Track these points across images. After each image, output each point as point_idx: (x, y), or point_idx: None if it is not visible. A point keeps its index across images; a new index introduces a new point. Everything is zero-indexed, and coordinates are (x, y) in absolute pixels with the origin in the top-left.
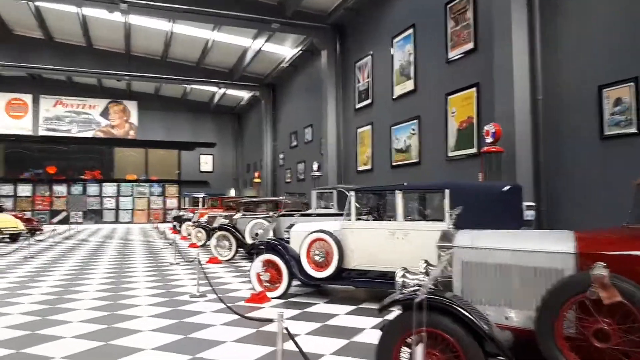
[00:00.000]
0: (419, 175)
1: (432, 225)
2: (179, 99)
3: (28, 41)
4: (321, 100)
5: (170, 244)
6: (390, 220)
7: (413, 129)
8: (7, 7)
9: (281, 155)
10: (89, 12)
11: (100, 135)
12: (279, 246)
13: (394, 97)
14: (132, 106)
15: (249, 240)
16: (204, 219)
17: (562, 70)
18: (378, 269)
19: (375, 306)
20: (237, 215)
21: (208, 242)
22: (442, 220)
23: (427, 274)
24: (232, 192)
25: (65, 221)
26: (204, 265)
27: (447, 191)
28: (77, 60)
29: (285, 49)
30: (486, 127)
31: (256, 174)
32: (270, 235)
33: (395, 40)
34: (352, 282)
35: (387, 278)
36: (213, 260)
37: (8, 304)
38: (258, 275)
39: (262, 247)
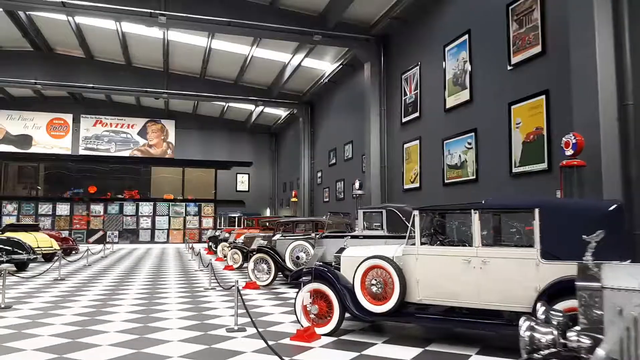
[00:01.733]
0: (477, 194)
1: (520, 253)
2: (216, 117)
3: (69, 60)
4: (363, 115)
5: (205, 267)
6: (463, 245)
7: (469, 143)
8: (49, 25)
9: (319, 174)
10: (128, 29)
11: (138, 154)
12: (328, 274)
13: (446, 109)
14: (169, 125)
15: (289, 264)
16: (241, 239)
17: None
18: (448, 304)
19: (445, 349)
20: (276, 236)
21: (245, 265)
22: (530, 245)
23: (548, 321)
24: (268, 212)
25: (101, 240)
26: (242, 292)
27: (537, 210)
28: (116, 79)
29: (325, 64)
30: (565, 138)
31: (293, 193)
32: (318, 257)
33: (447, 48)
34: (416, 319)
35: (456, 315)
36: (250, 285)
37: (24, 335)
38: (304, 307)
39: (309, 274)
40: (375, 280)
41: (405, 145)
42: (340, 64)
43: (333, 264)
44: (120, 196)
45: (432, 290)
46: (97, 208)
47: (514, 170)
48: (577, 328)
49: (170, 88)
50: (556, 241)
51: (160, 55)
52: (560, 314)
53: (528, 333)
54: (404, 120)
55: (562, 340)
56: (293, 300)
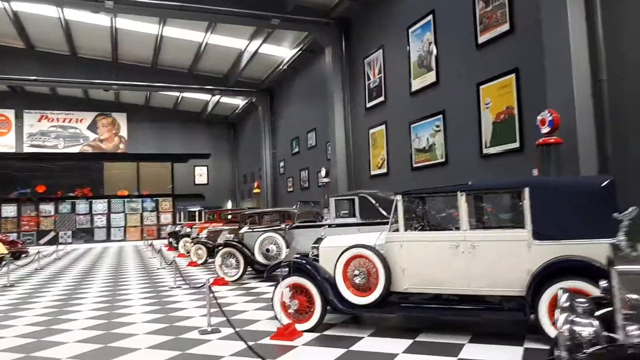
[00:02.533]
0: (447, 177)
1: (511, 234)
2: (170, 109)
3: (7, 51)
4: (326, 101)
5: (168, 264)
6: (444, 231)
7: (437, 126)
8: None
9: (281, 163)
10: (72, 16)
11: (89, 150)
12: (308, 266)
13: (412, 92)
14: (121, 118)
15: (258, 257)
16: (204, 234)
17: (631, 45)
18: (436, 292)
19: (435, 338)
20: (244, 229)
21: (210, 260)
22: (521, 226)
23: (573, 310)
24: (229, 205)
25: (53, 242)
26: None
27: (527, 190)
28: (61, 71)
29: (284, 50)
30: (541, 116)
31: (255, 184)
32: (296, 250)
33: (411, 30)
34: (403, 309)
35: (443, 302)
36: (219, 282)
37: None
38: (284, 304)
39: (287, 268)
40: (358, 270)
41: (371, 131)
42: (299, 50)
43: (310, 255)
44: (71, 194)
45: (419, 278)
46: (48, 208)
47: (485, 151)
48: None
49: (120, 79)
50: (548, 221)
51: (109, 45)
52: (586, 302)
53: (567, 327)
54: (368, 105)
55: (605, 334)
56: (266, 296)
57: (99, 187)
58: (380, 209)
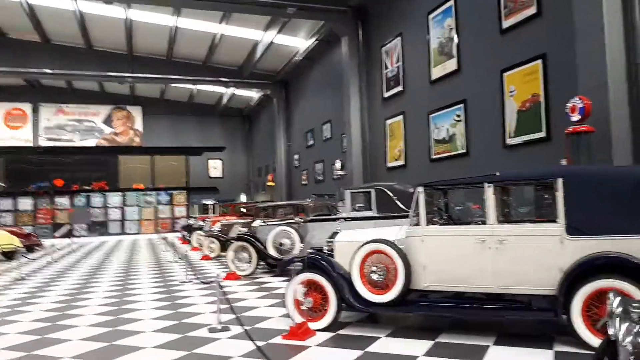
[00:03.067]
0: (468, 168)
1: (543, 229)
2: (185, 102)
3: (24, 45)
4: (341, 93)
5: (180, 258)
6: (475, 224)
7: (458, 115)
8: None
9: (296, 156)
10: (87, 8)
11: (104, 143)
12: (323, 262)
13: (431, 81)
14: (136, 112)
15: (271, 252)
16: (217, 227)
17: None
18: (459, 290)
19: (457, 339)
20: (257, 223)
21: (222, 254)
22: (553, 220)
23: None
24: (244, 198)
25: (68, 235)
26: (222, 284)
27: (560, 180)
28: (77, 64)
29: (299, 41)
30: (571, 103)
31: (269, 177)
32: (311, 245)
33: (431, 16)
34: (423, 308)
35: (467, 300)
36: (231, 276)
37: None
38: (297, 301)
39: (301, 263)
40: (376, 267)
41: (388, 122)
42: (315, 40)
43: (324, 249)
44: (87, 187)
45: (441, 275)
46: (63, 201)
47: (508, 141)
48: None
49: (135, 72)
50: (584, 214)
51: (123, 37)
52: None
53: (630, 338)
54: (385, 95)
55: None
56: (279, 291)
57: (114, 180)
58: (398, 202)
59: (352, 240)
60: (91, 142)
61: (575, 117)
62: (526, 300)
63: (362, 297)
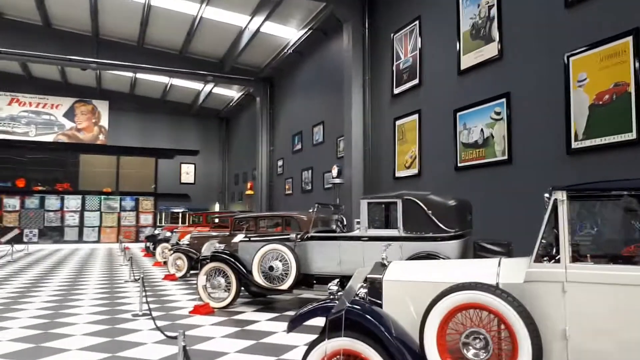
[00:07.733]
0: (509, 180)
1: None
2: (158, 99)
3: None
4: (337, 91)
5: (136, 279)
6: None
7: (498, 112)
8: None
9: (280, 162)
10: None
11: (64, 139)
12: (373, 319)
13: (460, 71)
14: (102, 106)
15: (257, 277)
16: (186, 240)
17: None
18: None
19: None
20: (237, 238)
21: (189, 274)
22: None
23: None
24: (217, 207)
25: (17, 240)
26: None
27: None
28: (32, 43)
29: (290, 31)
30: None
31: (249, 185)
32: (354, 293)
33: None
34: None
35: None
36: (200, 310)
37: None
38: None
39: (335, 318)
40: (474, 335)
41: (398, 122)
42: (309, 29)
43: (359, 292)
44: (42, 188)
45: (600, 353)
46: (12, 202)
47: (575, 144)
48: None
49: (101, 57)
50: None
51: (87, 15)
52: None
53: None
54: (396, 91)
55: None
56: (271, 340)
57: (74, 181)
58: (434, 218)
59: (422, 281)
60: (49, 137)
61: None
62: None
63: None
